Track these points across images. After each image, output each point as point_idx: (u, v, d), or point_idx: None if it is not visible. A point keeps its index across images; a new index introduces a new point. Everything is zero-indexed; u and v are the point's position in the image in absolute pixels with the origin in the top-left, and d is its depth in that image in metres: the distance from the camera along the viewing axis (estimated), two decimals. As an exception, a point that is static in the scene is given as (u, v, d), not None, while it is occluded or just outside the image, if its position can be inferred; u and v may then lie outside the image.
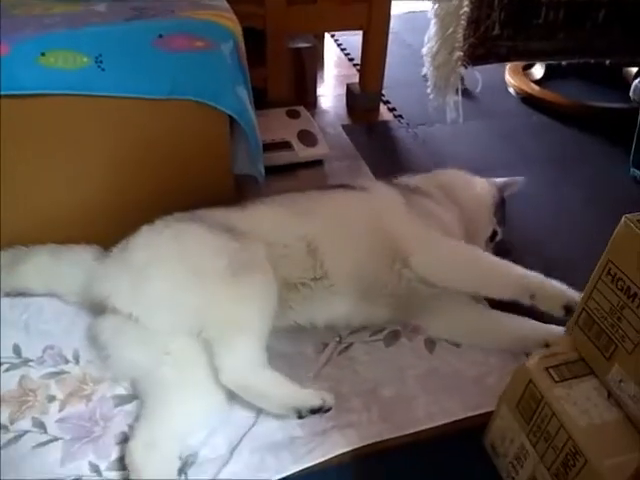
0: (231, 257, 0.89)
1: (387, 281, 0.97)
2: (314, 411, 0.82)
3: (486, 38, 1.25)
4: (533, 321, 0.97)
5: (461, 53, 1.29)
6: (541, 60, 1.72)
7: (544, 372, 0.72)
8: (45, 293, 1.03)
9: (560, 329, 0.87)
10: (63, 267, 1.01)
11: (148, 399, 0.85)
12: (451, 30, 1.31)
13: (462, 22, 1.23)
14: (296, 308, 0.98)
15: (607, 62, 1.62)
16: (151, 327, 0.88)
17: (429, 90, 1.48)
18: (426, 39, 1.45)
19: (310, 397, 0.83)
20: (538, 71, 1.93)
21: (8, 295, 1.03)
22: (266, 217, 0.99)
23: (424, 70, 1.48)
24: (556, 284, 0.89)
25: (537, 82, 1.88)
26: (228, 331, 0.85)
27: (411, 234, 0.97)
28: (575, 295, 0.85)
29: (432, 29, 1.40)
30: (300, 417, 0.83)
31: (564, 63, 1.78)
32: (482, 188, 1.17)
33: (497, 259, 0.96)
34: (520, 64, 1.96)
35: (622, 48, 1.38)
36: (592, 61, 1.51)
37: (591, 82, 1.91)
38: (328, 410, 0.83)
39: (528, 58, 1.57)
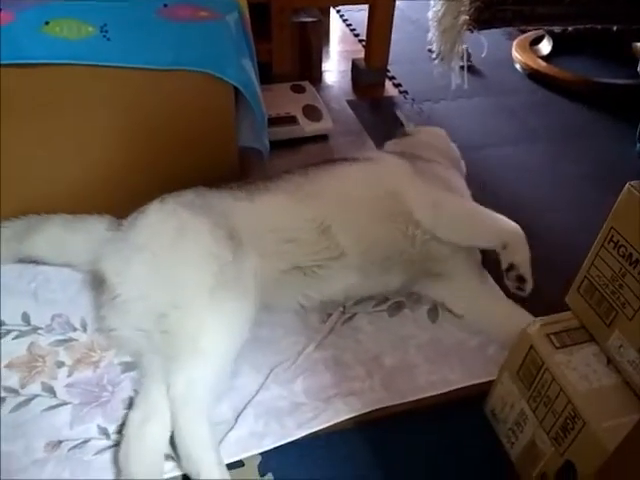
0: (220, 268, 0.87)
1: (403, 247, 0.98)
2: None
3: (492, 2, 1.24)
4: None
5: (467, 17, 1.28)
6: (546, 25, 1.70)
7: (545, 338, 0.73)
8: (58, 263, 1.04)
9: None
10: (76, 238, 1.02)
11: (146, 372, 0.86)
12: (457, -6, 1.30)
13: (468, -14, 1.22)
14: (307, 291, 0.98)
15: (614, 28, 1.59)
16: (124, 304, 0.88)
17: (434, 55, 1.47)
18: (432, 3, 1.43)
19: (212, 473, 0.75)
20: (545, 47, 1.91)
21: (21, 262, 1.04)
22: (272, 208, 0.97)
23: (429, 35, 1.47)
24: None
25: (544, 58, 1.87)
26: (187, 346, 0.82)
27: (418, 194, 0.98)
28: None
29: (438, -7, 1.39)
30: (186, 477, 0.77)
31: (570, 29, 1.74)
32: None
33: (489, 211, 0.99)
34: (527, 40, 1.94)
35: (626, 14, 1.37)
36: (599, 27, 1.49)
37: (599, 58, 1.89)
38: None
39: (533, 23, 1.55)
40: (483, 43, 1.43)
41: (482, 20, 1.28)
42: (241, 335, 0.87)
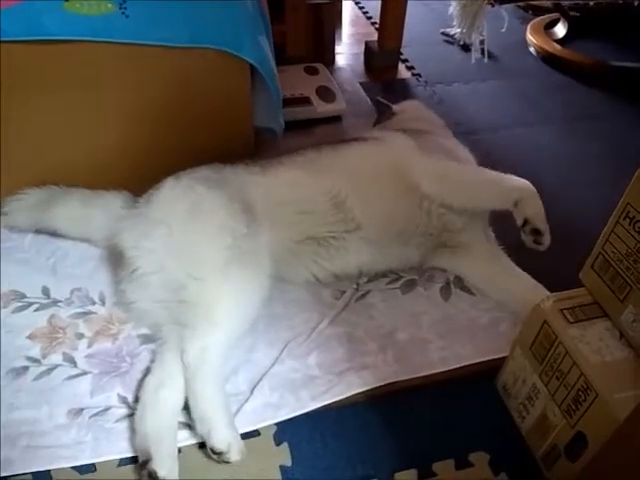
0: (234, 240, 0.89)
1: (418, 221, 1.00)
2: (214, 452, 0.76)
3: None
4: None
5: None
6: None
7: (559, 313, 0.74)
8: (75, 236, 1.06)
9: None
10: (94, 213, 1.03)
11: (163, 341, 0.88)
12: (478, -31, 1.29)
13: (490, -39, 1.21)
14: (322, 262, 1.00)
15: (636, 3, 1.57)
16: (143, 277, 0.90)
17: (455, 29, 1.47)
18: None
19: (221, 439, 0.77)
20: (560, 30, 1.90)
21: (39, 232, 1.07)
22: (287, 181, 0.99)
23: (450, 9, 1.47)
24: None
25: (559, 41, 1.85)
26: (203, 315, 0.84)
27: (423, 168, 1.00)
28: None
29: (459, -32, 1.39)
30: (201, 446, 0.80)
31: (591, 3, 1.72)
32: None
33: (496, 172, 1.00)
34: (542, 23, 1.93)
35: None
36: (620, 1, 1.46)
37: (613, 42, 1.88)
38: (226, 461, 0.77)
39: None
40: (504, 17, 1.42)
41: (503, -6, 1.27)
42: (255, 305, 0.89)
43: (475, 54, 1.49)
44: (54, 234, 1.07)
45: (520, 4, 1.84)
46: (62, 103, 1.02)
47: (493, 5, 1.29)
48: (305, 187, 0.98)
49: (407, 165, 1.00)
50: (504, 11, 1.39)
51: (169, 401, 0.81)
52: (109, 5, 0.95)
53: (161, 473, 0.74)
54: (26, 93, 0.99)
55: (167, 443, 0.78)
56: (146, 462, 0.75)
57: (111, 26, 0.96)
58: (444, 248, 1.04)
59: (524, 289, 0.97)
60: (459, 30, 1.44)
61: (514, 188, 0.95)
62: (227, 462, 0.76)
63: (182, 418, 0.82)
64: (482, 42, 1.45)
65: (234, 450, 0.77)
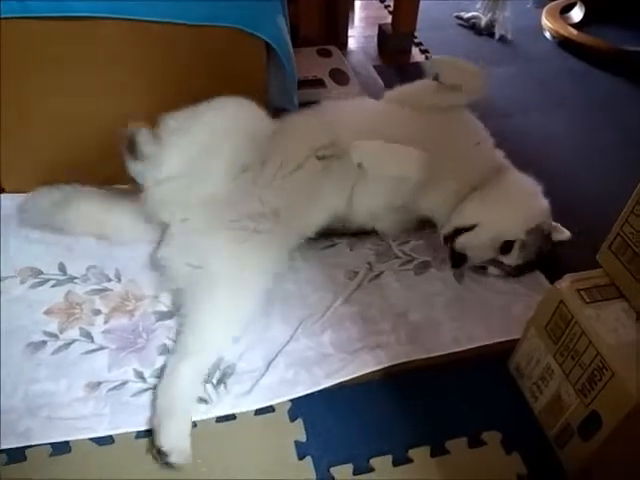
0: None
1: None
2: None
3: None
4: None
5: None
6: None
7: (575, 293, 0.74)
8: (91, 236, 1.06)
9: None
10: (112, 216, 1.04)
11: (188, 311, 0.89)
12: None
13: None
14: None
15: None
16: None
17: (478, 6, 1.46)
18: None
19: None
20: (577, 14, 1.87)
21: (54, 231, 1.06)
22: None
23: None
24: None
25: (575, 26, 1.83)
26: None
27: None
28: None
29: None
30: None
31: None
32: None
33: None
34: (558, 7, 1.90)
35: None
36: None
37: (630, 27, 1.85)
38: (166, 463, 0.76)
39: None
40: None
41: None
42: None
43: (499, 30, 1.47)
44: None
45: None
46: (79, 79, 1.02)
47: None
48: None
49: None
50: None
51: (185, 377, 0.82)
52: (128, -18, 0.95)
53: (164, 448, 0.75)
54: (44, 69, 1.00)
55: (177, 419, 0.79)
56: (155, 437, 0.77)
57: (131, 4, 0.95)
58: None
59: None
60: (483, 9, 1.43)
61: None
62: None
63: (200, 393, 0.83)
64: (505, 21, 1.43)
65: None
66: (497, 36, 1.52)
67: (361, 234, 1.09)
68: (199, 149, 0.97)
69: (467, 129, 1.08)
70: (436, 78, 1.08)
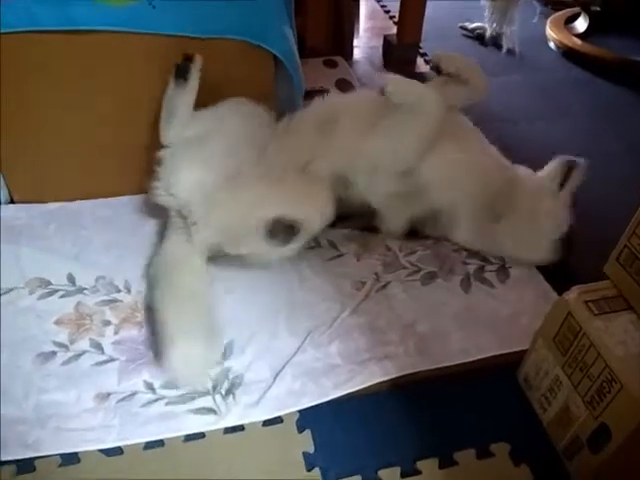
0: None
1: None
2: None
3: None
4: None
5: None
6: None
7: (583, 305, 0.74)
8: None
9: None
10: None
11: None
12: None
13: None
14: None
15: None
16: None
17: (486, 21, 1.48)
18: None
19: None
20: (581, 25, 1.88)
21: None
22: None
23: (481, 2, 1.48)
24: None
25: (579, 36, 1.84)
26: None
27: None
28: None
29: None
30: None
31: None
32: None
33: None
34: (562, 17, 1.91)
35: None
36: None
37: (635, 37, 1.86)
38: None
39: None
40: (535, 7, 1.43)
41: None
42: None
43: (507, 44, 1.49)
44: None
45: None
46: (87, 91, 1.04)
47: (524, -3, 1.30)
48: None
49: None
50: (535, 2, 1.39)
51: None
52: (136, -4, 0.97)
53: None
54: (53, 82, 1.01)
55: None
56: None
57: (138, 17, 0.97)
58: None
59: None
60: (490, 23, 1.45)
61: None
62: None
63: (207, 403, 0.84)
64: (512, 35, 1.45)
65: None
66: (504, 49, 1.54)
67: (368, 230, 1.10)
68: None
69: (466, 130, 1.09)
70: (438, 70, 1.10)
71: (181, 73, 1.01)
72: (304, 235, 0.97)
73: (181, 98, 1.02)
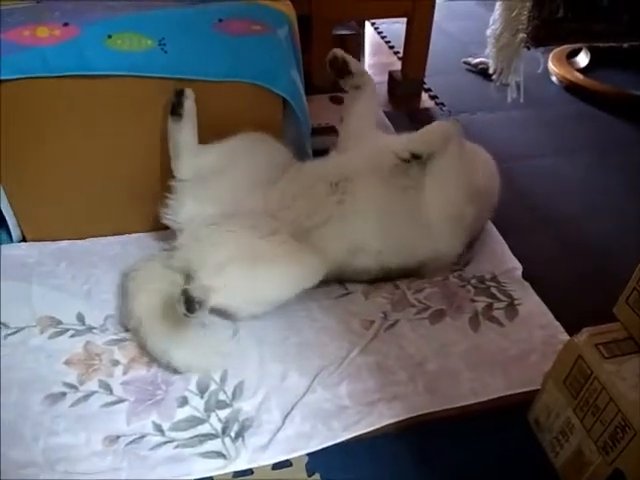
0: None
1: None
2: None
3: (550, 20, 1.28)
4: None
5: (524, 35, 1.33)
6: (603, 42, 1.71)
7: (594, 348, 0.74)
8: None
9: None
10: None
11: None
12: (516, 12, 1.35)
13: (527, 4, 1.25)
14: None
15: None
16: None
17: (491, 71, 1.52)
18: (491, 21, 1.48)
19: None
20: (582, 59, 1.92)
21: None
22: None
23: (487, 51, 1.53)
24: None
25: (581, 71, 1.87)
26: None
27: None
28: None
29: (497, 11, 1.44)
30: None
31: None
32: None
33: None
34: (564, 52, 1.95)
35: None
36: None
37: (636, 71, 1.88)
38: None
39: (591, 40, 1.60)
40: (539, 59, 1.47)
41: (539, 38, 1.33)
42: None
43: (512, 95, 1.54)
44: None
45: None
46: (103, 133, 1.06)
47: (529, 48, 1.32)
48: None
49: None
50: (540, 54, 1.43)
51: None
52: (149, 41, 0.99)
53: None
54: (71, 125, 1.04)
55: None
56: None
57: (151, 61, 1.00)
58: None
59: None
60: (496, 73, 1.48)
61: None
62: None
63: (216, 447, 0.83)
64: (518, 84, 1.47)
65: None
66: (509, 99, 1.57)
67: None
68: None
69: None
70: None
71: (175, 110, 1.03)
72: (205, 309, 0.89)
73: (181, 133, 1.05)
